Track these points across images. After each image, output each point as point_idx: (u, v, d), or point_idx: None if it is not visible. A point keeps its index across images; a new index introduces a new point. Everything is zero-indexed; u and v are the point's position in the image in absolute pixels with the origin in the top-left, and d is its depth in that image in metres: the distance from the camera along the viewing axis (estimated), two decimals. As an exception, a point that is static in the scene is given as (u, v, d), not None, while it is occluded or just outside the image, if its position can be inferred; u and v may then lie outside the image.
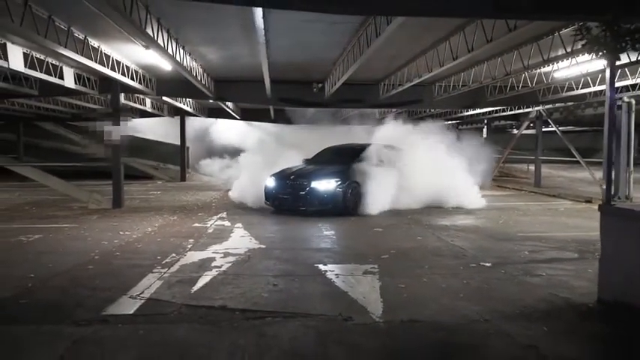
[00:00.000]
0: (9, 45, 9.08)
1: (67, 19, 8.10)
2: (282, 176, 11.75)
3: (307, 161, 12.75)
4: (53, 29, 7.76)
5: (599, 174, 16.89)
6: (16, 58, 9.26)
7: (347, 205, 11.20)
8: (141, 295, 5.31)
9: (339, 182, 11.24)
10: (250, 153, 15.24)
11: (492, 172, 21.20)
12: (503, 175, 23.19)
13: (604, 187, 5.18)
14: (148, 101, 19.10)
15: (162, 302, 5.09)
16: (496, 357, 3.74)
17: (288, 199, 11.39)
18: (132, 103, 17.71)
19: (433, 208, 12.26)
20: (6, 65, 9.11)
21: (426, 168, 11.91)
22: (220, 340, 4.05)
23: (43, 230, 9.44)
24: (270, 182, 11.77)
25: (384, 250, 7.51)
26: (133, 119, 21.19)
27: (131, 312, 4.81)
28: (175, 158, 24.05)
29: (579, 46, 6.33)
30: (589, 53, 4.33)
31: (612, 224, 4.76)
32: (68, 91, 13.07)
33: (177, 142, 23.59)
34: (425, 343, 4.04)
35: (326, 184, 11.22)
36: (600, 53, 4.17)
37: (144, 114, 21.09)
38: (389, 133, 13.16)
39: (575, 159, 17.48)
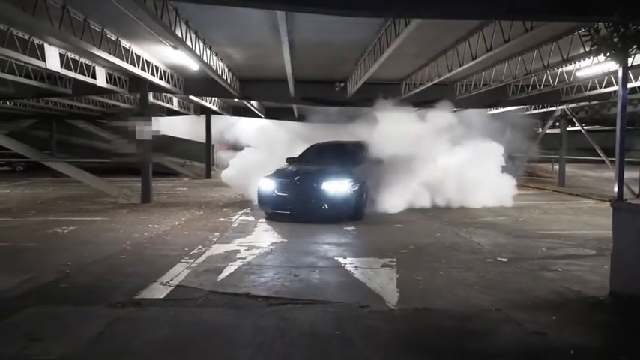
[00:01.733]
0: (46, 46, 9.57)
1: (101, 22, 8.52)
2: (283, 177, 10.44)
3: (291, 160, 11.62)
4: (88, 31, 8.20)
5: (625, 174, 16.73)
6: (53, 59, 9.75)
7: (360, 209, 10.21)
8: (170, 282, 5.65)
9: (352, 183, 10.04)
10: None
11: (516, 170, 21.19)
12: (528, 174, 23.06)
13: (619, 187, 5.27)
14: (175, 100, 19.60)
15: (191, 289, 5.42)
16: (504, 342, 3.94)
17: (293, 203, 10.02)
18: (160, 102, 18.21)
19: (453, 206, 12.31)
20: (44, 65, 9.61)
21: (442, 165, 11.89)
22: (244, 322, 4.34)
23: (77, 222, 9.91)
24: (268, 184, 10.37)
25: (403, 245, 7.71)
26: (161, 117, 21.72)
27: (162, 296, 5.16)
28: (201, 156, 24.58)
29: (587, 49, 6.43)
30: (598, 54, 4.51)
31: (623, 219, 4.91)
32: (100, 90, 13.56)
33: (201, 139, 24.13)
34: (437, 329, 4.26)
35: (338, 186, 9.92)
36: (608, 54, 4.33)
37: (171, 112, 21.61)
38: (399, 127, 12.05)
39: (601, 158, 17.32)
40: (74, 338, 3.95)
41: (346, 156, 11.13)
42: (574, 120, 18.61)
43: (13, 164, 26.70)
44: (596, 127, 23.20)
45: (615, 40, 4.13)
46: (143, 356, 3.65)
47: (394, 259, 6.78)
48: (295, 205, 10.06)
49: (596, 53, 4.54)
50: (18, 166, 26.74)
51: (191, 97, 17.37)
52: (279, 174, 10.65)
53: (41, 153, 18.58)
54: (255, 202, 11.25)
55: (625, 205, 4.93)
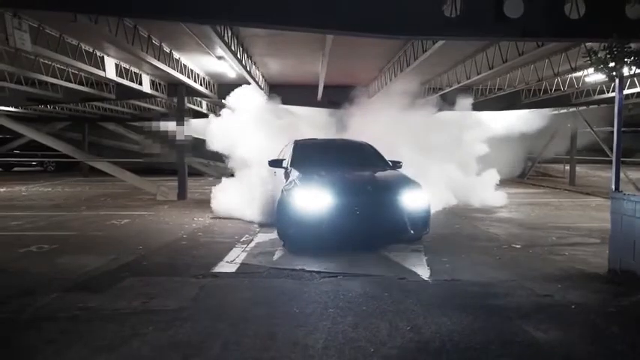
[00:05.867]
0: (106, 58, 10.72)
1: (160, 37, 9.66)
2: (341, 184, 7.46)
3: (277, 163, 8.77)
4: (150, 45, 9.33)
5: (633, 174, 17.53)
6: (110, 69, 10.91)
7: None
8: (234, 261, 6.71)
9: (426, 194, 7.69)
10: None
11: (528, 170, 22.08)
12: (540, 174, 23.88)
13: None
14: (204, 103, 20.74)
15: (253, 266, 6.47)
16: (519, 300, 4.95)
17: (362, 227, 7.16)
18: (191, 106, 19.37)
19: (468, 204, 12.88)
20: (103, 75, 10.76)
21: (455, 164, 12.76)
22: (308, 288, 5.38)
23: (127, 216, 11.01)
24: (315, 198, 7.16)
25: (427, 236, 8.62)
26: (190, 120, 22.84)
27: (233, 271, 6.23)
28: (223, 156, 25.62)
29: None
30: (595, 71, 5.51)
31: (619, 207, 5.87)
32: (140, 95, 14.69)
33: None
34: (464, 292, 5.28)
35: (418, 198, 7.52)
36: (605, 71, 5.32)
37: (196, 114, 22.73)
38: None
39: (610, 159, 18.04)
40: (179, 297, 5.02)
41: (365, 158, 9.01)
42: (586, 121, 19.39)
43: (45, 164, 28.09)
44: (609, 128, 23.94)
45: (608, 60, 5.12)
46: (238, 307, 4.69)
47: (421, 246, 7.74)
48: (365, 230, 7.21)
49: (594, 70, 5.55)
50: (49, 166, 28.13)
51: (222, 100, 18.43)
52: (321, 181, 7.47)
53: (85, 153, 19.79)
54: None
55: (621, 195, 5.89)
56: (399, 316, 4.42)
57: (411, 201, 7.42)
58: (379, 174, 8.29)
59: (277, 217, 7.69)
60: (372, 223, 7.23)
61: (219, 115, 13.54)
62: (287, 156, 9.03)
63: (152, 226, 9.77)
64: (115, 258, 6.83)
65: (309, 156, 8.77)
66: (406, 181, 7.82)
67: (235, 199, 10.70)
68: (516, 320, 4.36)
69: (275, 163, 8.80)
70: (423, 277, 5.90)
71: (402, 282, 5.66)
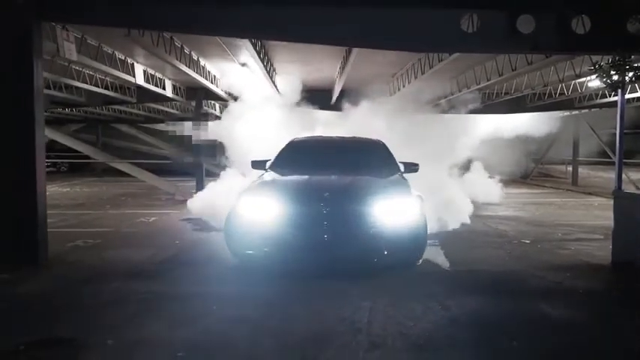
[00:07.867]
0: (135, 65, 11.36)
1: (190, 46, 10.30)
2: (290, 191, 6.16)
3: (261, 165, 7.51)
4: (182, 54, 9.98)
5: (634, 175, 18.12)
6: (139, 75, 11.55)
7: (424, 246, 6.21)
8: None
9: (420, 201, 6.31)
10: None
11: (531, 171, 22.69)
12: (543, 175, 24.47)
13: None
14: (217, 106, 21.37)
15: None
16: (532, 286, 5.61)
17: (318, 244, 5.72)
18: (207, 109, 19.99)
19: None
20: (133, 80, 11.40)
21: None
22: (339, 276, 5.95)
23: (153, 214, 11.56)
24: (259, 206, 5.98)
25: (443, 232, 9.17)
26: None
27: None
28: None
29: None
30: (600, 82, 6.15)
31: (621, 204, 6.50)
32: (161, 98, 15.32)
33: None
34: (482, 279, 5.93)
35: (402, 208, 5.94)
36: (609, 82, 5.95)
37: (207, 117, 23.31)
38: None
39: (612, 160, 18.63)
40: (230, 283, 5.65)
41: (368, 160, 7.54)
42: (589, 125, 20.01)
43: (58, 165, 28.68)
44: (612, 130, 24.48)
45: (612, 73, 5.75)
46: (285, 290, 5.29)
47: (437, 241, 8.24)
48: (322, 249, 5.73)
49: (600, 81, 6.19)
50: (62, 166, 28.72)
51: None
52: (275, 186, 6.42)
53: (106, 154, 20.39)
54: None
55: (623, 194, 6.53)
56: (429, 298, 5.03)
57: (392, 213, 5.77)
58: (363, 178, 6.63)
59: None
60: (329, 243, 5.67)
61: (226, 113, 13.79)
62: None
63: (181, 223, 10.32)
64: (156, 252, 7.35)
65: (296, 157, 7.54)
66: (391, 187, 6.38)
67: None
68: (531, 302, 5.00)
69: (258, 165, 7.54)
70: (444, 268, 6.53)
71: (426, 272, 6.26)
